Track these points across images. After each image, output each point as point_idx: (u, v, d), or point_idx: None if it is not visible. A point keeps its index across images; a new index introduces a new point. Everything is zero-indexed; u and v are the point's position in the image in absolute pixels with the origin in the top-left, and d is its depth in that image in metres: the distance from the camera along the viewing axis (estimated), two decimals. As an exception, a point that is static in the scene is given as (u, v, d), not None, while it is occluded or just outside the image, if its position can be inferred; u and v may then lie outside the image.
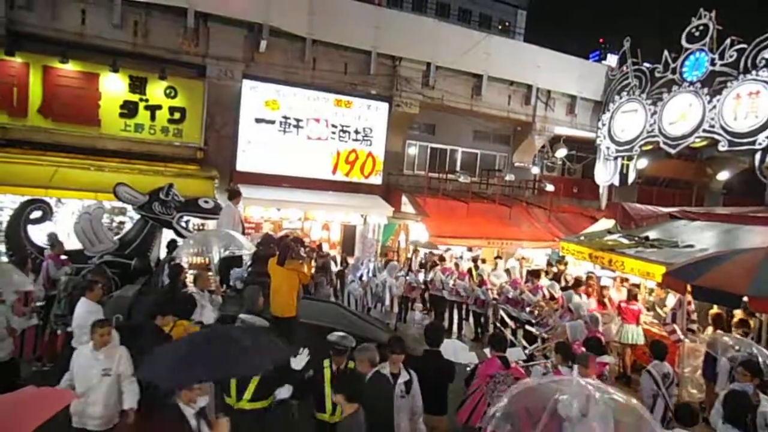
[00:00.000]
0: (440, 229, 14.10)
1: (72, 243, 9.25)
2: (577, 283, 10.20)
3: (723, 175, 17.93)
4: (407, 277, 11.91)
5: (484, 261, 13.47)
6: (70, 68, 11.90)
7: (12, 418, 2.84)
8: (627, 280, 10.81)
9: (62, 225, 10.84)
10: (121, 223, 11.96)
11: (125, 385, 4.82)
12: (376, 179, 15.51)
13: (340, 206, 14.50)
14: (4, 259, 10.03)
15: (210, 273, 7.82)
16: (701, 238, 9.76)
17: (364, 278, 11.76)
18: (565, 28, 33.87)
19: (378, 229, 15.54)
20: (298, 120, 14.25)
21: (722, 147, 13.02)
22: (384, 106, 15.23)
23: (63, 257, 8.59)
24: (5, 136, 11.57)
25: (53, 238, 9.01)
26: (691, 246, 9.32)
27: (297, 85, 14.15)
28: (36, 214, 9.41)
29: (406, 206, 15.24)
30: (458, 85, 16.09)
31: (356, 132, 15.01)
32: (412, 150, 17.33)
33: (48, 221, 9.86)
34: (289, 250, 6.97)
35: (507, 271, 12.08)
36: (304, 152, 14.38)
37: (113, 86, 12.29)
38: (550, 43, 17.75)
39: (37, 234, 9.45)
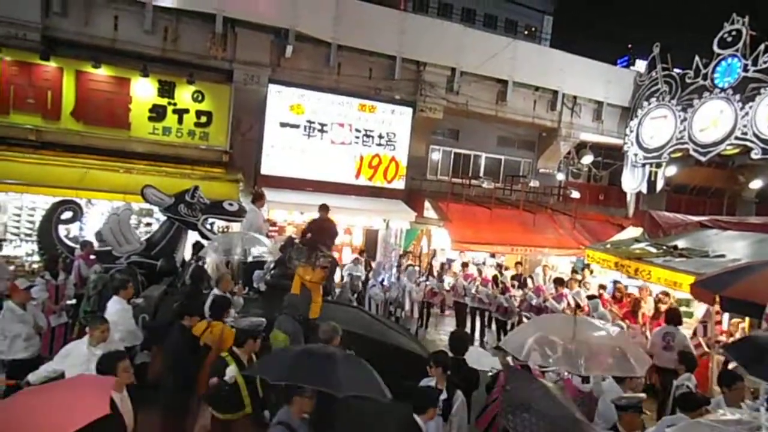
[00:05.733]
0: (463, 234, 14.00)
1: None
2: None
3: (756, 184, 17.43)
4: (428, 282, 11.87)
5: (507, 268, 13.34)
6: (102, 73, 12.17)
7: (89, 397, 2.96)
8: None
9: (92, 225, 11.14)
10: (148, 224, 12.18)
11: None
12: (399, 184, 15.49)
13: (363, 210, 14.51)
14: (36, 258, 10.35)
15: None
16: (733, 247, 9.48)
17: (386, 283, 11.75)
18: (592, 34, 33.44)
19: (400, 234, 15.51)
20: (322, 124, 14.33)
21: (755, 155, 12.67)
22: (408, 111, 15.21)
23: (92, 257, 8.82)
24: (39, 138, 11.88)
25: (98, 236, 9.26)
26: (723, 256, 9.06)
27: (322, 89, 14.23)
28: (67, 214, 9.69)
29: (429, 211, 15.18)
30: (483, 91, 15.98)
31: (380, 137, 15.02)
32: (436, 155, 17.26)
33: (78, 221, 10.14)
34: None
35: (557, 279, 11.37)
36: (327, 156, 14.46)
37: (143, 90, 12.54)
38: (577, 48, 17.55)
39: (77, 232, 9.73)
